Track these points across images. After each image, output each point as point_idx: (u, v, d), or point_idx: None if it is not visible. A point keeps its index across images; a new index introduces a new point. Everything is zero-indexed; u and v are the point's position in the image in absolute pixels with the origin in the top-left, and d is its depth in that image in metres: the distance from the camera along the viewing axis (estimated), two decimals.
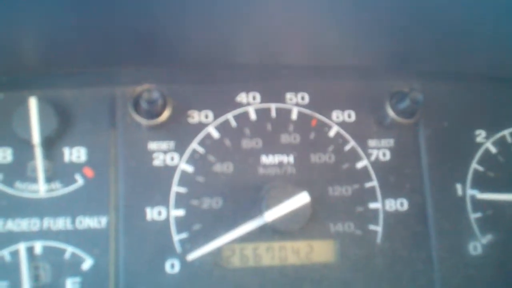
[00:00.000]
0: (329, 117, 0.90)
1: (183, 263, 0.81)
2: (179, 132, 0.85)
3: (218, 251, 0.82)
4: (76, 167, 0.82)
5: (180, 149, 0.85)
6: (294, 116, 0.89)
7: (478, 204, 0.90)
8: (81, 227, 0.80)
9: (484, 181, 0.91)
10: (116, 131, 0.84)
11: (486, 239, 0.89)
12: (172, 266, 0.81)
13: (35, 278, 0.77)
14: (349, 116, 0.91)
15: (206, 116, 0.87)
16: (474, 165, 0.92)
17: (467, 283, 0.86)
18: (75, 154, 0.82)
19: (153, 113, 0.81)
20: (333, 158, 0.88)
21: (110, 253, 0.80)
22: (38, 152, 0.80)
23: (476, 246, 0.88)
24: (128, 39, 0.78)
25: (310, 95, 0.90)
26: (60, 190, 0.80)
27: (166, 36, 0.79)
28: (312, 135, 0.89)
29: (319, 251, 0.85)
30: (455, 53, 0.90)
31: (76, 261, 0.78)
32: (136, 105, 0.82)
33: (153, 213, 0.82)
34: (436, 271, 0.86)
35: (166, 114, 0.83)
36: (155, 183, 0.83)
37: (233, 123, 0.87)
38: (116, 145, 0.83)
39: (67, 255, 0.79)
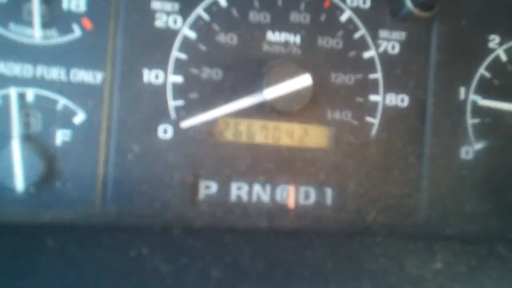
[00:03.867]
0: (344, 1, 0.86)
1: (177, 129, 0.80)
2: None
3: (213, 123, 0.81)
4: (75, 16, 0.77)
5: (184, 12, 0.80)
6: None
7: (478, 110, 0.89)
8: (75, 79, 0.77)
9: (488, 87, 0.90)
10: None
11: (479, 145, 0.89)
12: (165, 131, 0.80)
13: (26, 125, 0.76)
14: (363, 2, 0.86)
15: None
16: (482, 71, 0.90)
17: (455, 182, 0.87)
18: (74, 2, 0.77)
19: None
20: (341, 44, 0.85)
21: (103, 110, 0.78)
22: None
23: (469, 150, 0.88)
24: None
25: None
26: (56, 38, 0.77)
27: None
28: (323, 17, 0.85)
29: (313, 135, 0.85)
30: None
31: (68, 113, 0.77)
32: None
33: (150, 76, 0.79)
34: (427, 167, 0.86)
35: None
36: (155, 45, 0.80)
37: None
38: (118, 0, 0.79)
39: (59, 106, 0.77)
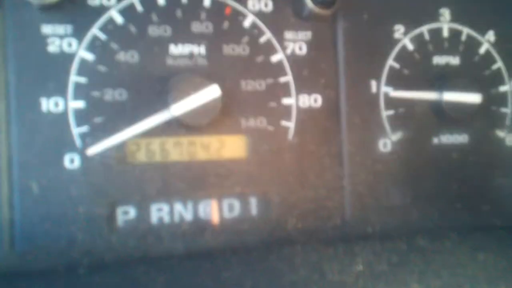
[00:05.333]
0: (245, 5, 0.84)
1: (84, 158, 0.76)
2: (78, 15, 0.77)
3: (122, 146, 0.77)
4: None
5: (78, 34, 0.77)
6: (206, 2, 0.83)
7: (391, 102, 0.90)
8: None
9: (398, 78, 0.90)
10: (3, 10, 0.74)
11: (396, 136, 0.89)
12: (71, 161, 0.76)
13: None
14: (265, 5, 0.85)
15: None
16: (390, 62, 0.90)
17: (374, 178, 0.87)
18: None
19: None
20: (247, 50, 0.84)
21: (1, 147, 0.73)
22: None
23: (386, 143, 0.89)
24: None
25: None
26: None
27: None
28: (225, 25, 0.83)
29: (229, 146, 0.83)
30: None
31: None
32: None
33: (49, 104, 0.75)
34: (345, 166, 0.86)
35: None
36: (50, 72, 0.75)
37: (139, 8, 0.79)
38: (3, 26, 0.74)
39: None
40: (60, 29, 0.76)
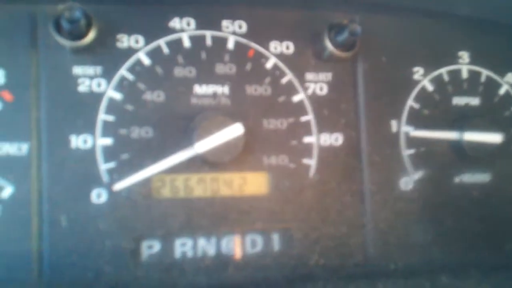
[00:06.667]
0: (267, 48, 0.87)
1: (110, 193, 0.78)
2: (107, 57, 0.80)
3: (147, 182, 0.79)
4: None
5: (107, 75, 0.80)
6: (230, 45, 0.86)
7: (412, 141, 0.91)
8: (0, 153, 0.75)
9: (418, 118, 0.92)
10: (38, 52, 0.78)
11: (417, 175, 0.90)
12: (98, 196, 0.78)
13: None
14: (287, 47, 0.88)
15: (137, 41, 0.82)
16: (410, 102, 0.92)
17: (395, 216, 0.87)
18: None
19: (76, 34, 0.76)
20: (269, 90, 0.86)
21: (31, 181, 0.76)
22: None
23: (407, 181, 0.89)
24: None
25: (248, 24, 0.87)
26: None
27: None
28: (248, 66, 0.86)
29: (252, 183, 0.84)
30: None
31: None
32: (58, 25, 0.76)
33: (78, 141, 0.78)
34: (366, 203, 0.86)
35: (91, 36, 0.77)
36: (80, 110, 0.79)
37: (166, 50, 0.83)
38: (37, 68, 0.78)
39: None
40: (90, 70, 0.79)
